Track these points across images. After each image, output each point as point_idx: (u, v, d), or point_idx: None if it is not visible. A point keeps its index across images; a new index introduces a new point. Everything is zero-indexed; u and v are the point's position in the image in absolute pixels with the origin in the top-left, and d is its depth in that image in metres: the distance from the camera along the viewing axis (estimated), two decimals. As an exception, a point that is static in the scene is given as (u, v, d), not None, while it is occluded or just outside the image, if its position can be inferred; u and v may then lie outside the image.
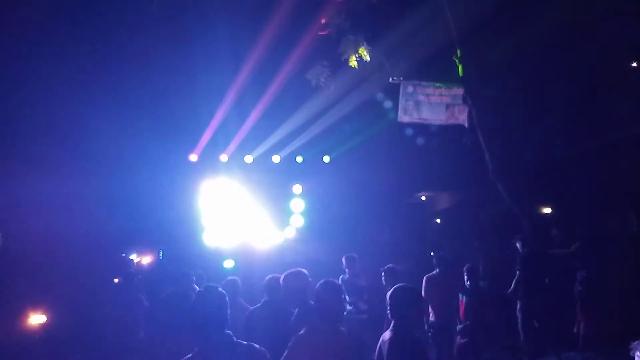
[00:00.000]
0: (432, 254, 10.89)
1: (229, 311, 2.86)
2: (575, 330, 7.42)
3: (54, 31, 8.62)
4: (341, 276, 7.07)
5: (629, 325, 6.90)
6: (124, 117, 10.00)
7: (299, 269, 4.49)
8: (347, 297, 6.78)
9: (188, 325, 2.81)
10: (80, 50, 9.13)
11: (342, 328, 3.55)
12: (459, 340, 7.07)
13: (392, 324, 3.21)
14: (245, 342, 2.89)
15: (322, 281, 3.57)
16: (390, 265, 7.01)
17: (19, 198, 8.36)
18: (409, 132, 9.89)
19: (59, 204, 8.84)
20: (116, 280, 7.99)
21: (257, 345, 2.89)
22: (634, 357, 2.53)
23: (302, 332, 3.38)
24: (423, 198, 16.95)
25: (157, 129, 10.80)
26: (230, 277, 5.63)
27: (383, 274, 6.94)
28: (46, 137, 9.44)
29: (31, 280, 7.60)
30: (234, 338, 2.81)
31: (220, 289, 2.90)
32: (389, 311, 3.17)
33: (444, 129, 8.52)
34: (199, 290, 2.98)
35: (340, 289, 3.55)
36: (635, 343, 2.55)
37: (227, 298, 2.88)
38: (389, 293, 3.18)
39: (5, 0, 7.87)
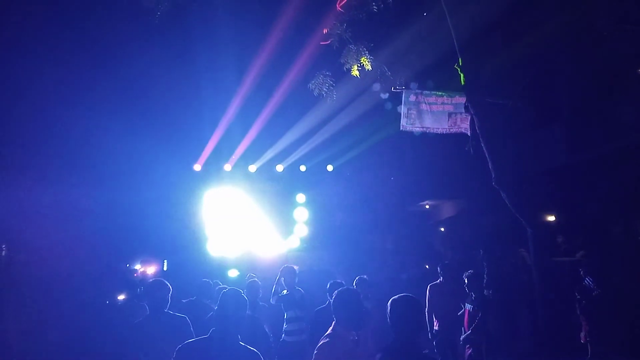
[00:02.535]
0: (427, 267, 10.79)
1: (247, 312, 3.34)
2: (581, 338, 7.37)
3: (61, 42, 8.72)
4: (284, 291, 6.61)
5: (635, 333, 6.85)
6: (128, 127, 10.07)
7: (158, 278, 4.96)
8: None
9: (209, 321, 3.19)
10: (85, 61, 9.23)
11: (356, 337, 3.54)
12: (467, 350, 7.00)
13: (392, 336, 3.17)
14: (245, 345, 3.24)
15: (341, 289, 3.57)
16: (361, 276, 6.86)
17: (23, 208, 8.41)
18: (412, 140, 9.90)
19: (62, 214, 8.88)
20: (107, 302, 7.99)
21: (254, 349, 3.25)
22: None
23: (324, 340, 3.38)
24: (427, 206, 16.91)
25: (161, 139, 10.87)
26: (229, 287, 5.69)
27: (355, 286, 6.67)
28: (50, 148, 9.52)
29: (35, 290, 7.62)
30: (240, 340, 3.22)
31: (242, 293, 3.39)
32: (389, 321, 3.11)
33: (447, 137, 8.52)
34: (224, 292, 3.37)
35: (357, 296, 3.53)
36: None
37: (247, 301, 3.35)
38: (389, 303, 3.14)
39: (10, 8, 7.97)
